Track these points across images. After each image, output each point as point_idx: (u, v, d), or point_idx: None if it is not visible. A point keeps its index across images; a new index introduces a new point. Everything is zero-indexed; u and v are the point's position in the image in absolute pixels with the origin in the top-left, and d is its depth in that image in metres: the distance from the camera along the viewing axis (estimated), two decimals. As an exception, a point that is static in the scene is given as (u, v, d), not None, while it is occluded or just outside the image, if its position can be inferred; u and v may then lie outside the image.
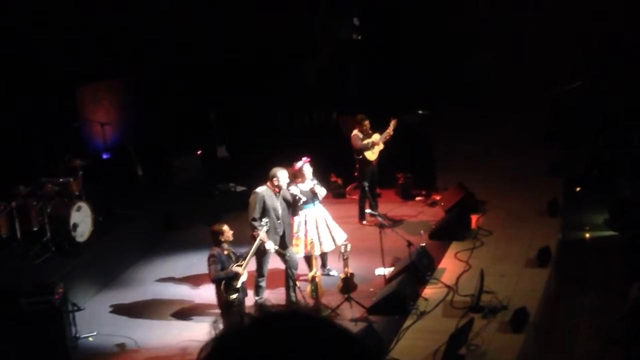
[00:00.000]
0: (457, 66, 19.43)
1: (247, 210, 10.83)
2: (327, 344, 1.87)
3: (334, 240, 11.72)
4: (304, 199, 11.26)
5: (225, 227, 9.67)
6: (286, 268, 11.01)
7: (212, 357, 1.89)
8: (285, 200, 11.05)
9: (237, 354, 1.86)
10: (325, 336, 1.89)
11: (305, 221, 11.64)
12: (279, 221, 10.82)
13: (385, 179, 14.94)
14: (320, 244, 11.45)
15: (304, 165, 11.67)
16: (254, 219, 10.63)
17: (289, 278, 11.01)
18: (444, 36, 19.54)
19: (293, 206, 11.23)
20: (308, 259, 11.86)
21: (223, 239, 9.60)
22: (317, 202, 11.74)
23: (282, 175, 10.91)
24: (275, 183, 10.87)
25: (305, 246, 11.55)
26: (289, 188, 11.08)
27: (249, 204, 10.81)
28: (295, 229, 11.61)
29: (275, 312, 1.93)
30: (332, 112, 18.09)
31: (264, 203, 10.73)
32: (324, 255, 11.86)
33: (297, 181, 11.64)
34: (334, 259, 11.65)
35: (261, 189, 10.86)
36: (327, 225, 11.76)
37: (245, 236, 10.78)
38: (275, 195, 10.88)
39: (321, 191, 11.73)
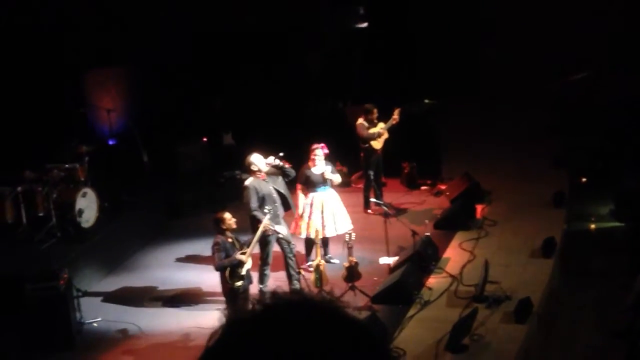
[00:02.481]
0: (462, 57, 19.38)
1: (244, 205, 10.80)
2: (336, 333, 1.86)
3: (336, 228, 11.74)
4: (282, 154, 11.18)
5: (227, 215, 9.66)
6: (285, 257, 11.01)
7: (221, 343, 1.86)
8: (275, 175, 11.03)
9: (247, 341, 1.84)
10: (335, 325, 1.88)
11: (312, 204, 11.66)
12: (276, 204, 10.83)
13: (391, 168, 14.94)
14: (323, 228, 11.45)
15: (316, 149, 11.69)
16: (254, 209, 10.65)
17: (289, 267, 11.02)
18: (450, 28, 19.49)
19: (283, 173, 11.18)
20: (309, 245, 11.90)
21: (225, 227, 9.59)
22: (327, 188, 11.75)
23: (255, 159, 10.89)
24: (255, 169, 10.86)
25: (308, 228, 11.59)
26: (266, 161, 11.04)
27: (244, 199, 10.79)
28: (300, 210, 11.65)
29: (286, 299, 1.92)
30: (337, 102, 18.08)
31: (257, 193, 10.73)
32: (325, 242, 11.86)
33: (309, 164, 11.68)
34: (338, 247, 11.65)
35: (249, 181, 10.85)
36: (333, 212, 11.77)
37: (247, 224, 10.77)
38: (265, 181, 10.89)
39: (334, 178, 11.74)
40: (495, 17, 19.53)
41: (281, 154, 11.16)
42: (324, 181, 11.70)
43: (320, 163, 11.72)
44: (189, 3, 17.55)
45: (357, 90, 18.25)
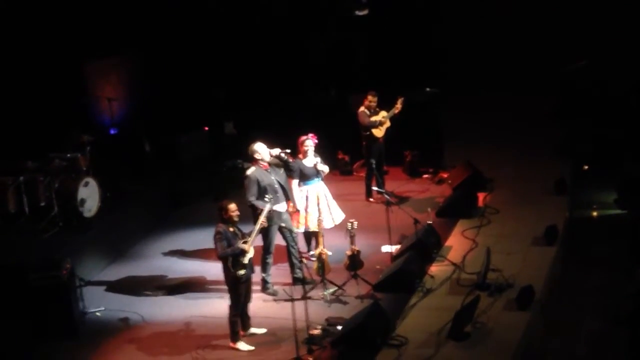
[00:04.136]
0: (463, 45, 19.35)
1: (245, 194, 10.79)
2: None
3: (333, 219, 11.74)
4: (288, 151, 11.18)
5: (232, 206, 9.61)
6: (288, 246, 11.04)
7: None
8: (277, 166, 11.02)
9: None
10: None
11: (307, 197, 11.64)
12: (277, 194, 10.82)
13: (393, 156, 14.94)
14: (321, 221, 11.40)
15: (307, 140, 11.65)
16: (253, 200, 10.64)
17: (292, 256, 11.04)
18: (450, 16, 19.46)
19: (286, 167, 11.16)
20: (307, 235, 11.89)
21: (226, 217, 9.57)
22: (319, 179, 11.73)
23: (259, 148, 10.89)
24: (258, 158, 10.86)
25: (306, 222, 11.58)
26: (271, 151, 11.01)
27: (245, 188, 10.79)
28: (297, 204, 11.63)
29: None
30: (340, 90, 18.04)
31: (258, 183, 10.71)
32: (316, 234, 11.77)
33: (299, 157, 11.64)
34: (340, 236, 11.64)
35: (251, 170, 10.84)
36: (328, 203, 11.76)
37: (249, 214, 10.77)
38: (267, 170, 10.87)
39: (324, 168, 11.71)
40: (497, 4, 19.48)
41: (288, 150, 11.15)
42: (316, 173, 11.67)
43: (311, 154, 11.68)
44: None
45: (359, 78, 18.21)
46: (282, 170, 11.13)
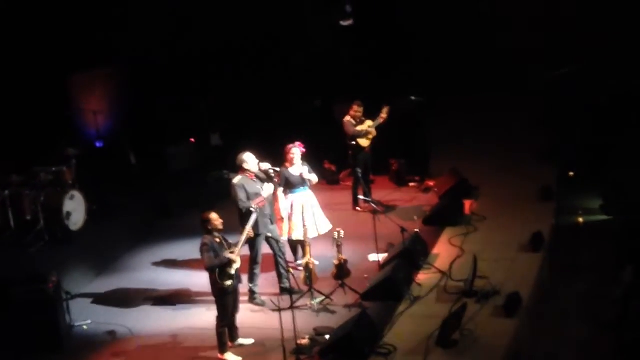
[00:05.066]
0: (448, 54, 19.43)
1: (233, 202, 10.79)
2: None
3: (317, 229, 11.72)
4: (277, 169, 11.18)
5: (213, 216, 9.59)
6: (275, 256, 11.04)
7: None
8: (262, 180, 11.01)
9: None
10: None
11: (292, 205, 11.65)
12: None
13: (379, 165, 15.00)
14: (307, 231, 11.39)
15: (293, 148, 11.66)
16: (244, 203, 10.62)
17: (279, 266, 11.04)
18: (434, 25, 19.54)
19: (270, 180, 11.15)
20: (293, 245, 11.88)
21: (211, 227, 9.55)
22: (306, 188, 11.73)
23: (248, 158, 10.89)
24: (246, 168, 10.86)
25: (290, 230, 11.57)
26: (260, 164, 11.00)
27: (232, 197, 10.79)
28: (281, 212, 11.62)
29: None
30: (325, 100, 18.07)
31: (245, 190, 10.71)
32: (302, 243, 11.75)
33: (286, 165, 11.64)
34: (327, 245, 11.64)
35: (237, 179, 10.83)
36: (313, 212, 11.75)
37: (237, 224, 10.75)
38: (253, 180, 10.87)
39: (312, 178, 11.71)
40: (479, 13, 19.58)
41: (277, 169, 11.16)
42: (302, 182, 11.67)
43: (297, 163, 11.69)
44: (175, 2, 17.49)
45: (344, 88, 18.27)
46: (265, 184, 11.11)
